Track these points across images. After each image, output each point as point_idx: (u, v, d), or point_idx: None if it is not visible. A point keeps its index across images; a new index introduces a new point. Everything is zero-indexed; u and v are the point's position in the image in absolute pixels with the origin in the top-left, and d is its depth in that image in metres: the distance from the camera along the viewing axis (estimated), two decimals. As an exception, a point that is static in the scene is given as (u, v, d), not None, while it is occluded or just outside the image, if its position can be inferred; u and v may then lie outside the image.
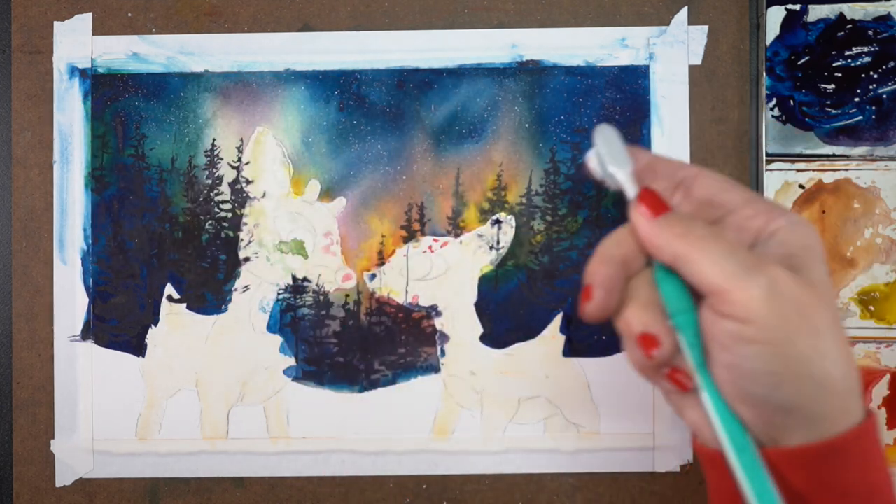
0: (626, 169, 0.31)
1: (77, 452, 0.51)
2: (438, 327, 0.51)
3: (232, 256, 0.51)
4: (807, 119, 0.51)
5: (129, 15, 0.51)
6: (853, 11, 0.51)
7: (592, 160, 0.32)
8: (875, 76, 0.51)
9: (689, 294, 0.29)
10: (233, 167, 0.51)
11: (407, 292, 0.51)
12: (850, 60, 0.51)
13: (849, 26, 0.51)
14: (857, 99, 0.51)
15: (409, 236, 0.51)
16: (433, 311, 0.51)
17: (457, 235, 0.51)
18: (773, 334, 0.27)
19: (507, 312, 0.51)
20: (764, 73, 0.50)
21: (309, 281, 0.51)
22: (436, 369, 0.51)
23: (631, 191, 0.31)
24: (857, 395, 0.28)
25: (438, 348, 0.51)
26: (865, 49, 0.51)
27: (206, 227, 0.51)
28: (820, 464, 0.28)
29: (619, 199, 0.51)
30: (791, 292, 0.27)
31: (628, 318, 0.29)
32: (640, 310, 0.29)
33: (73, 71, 0.51)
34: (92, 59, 0.51)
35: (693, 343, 0.29)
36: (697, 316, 0.29)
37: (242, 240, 0.51)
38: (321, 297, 0.51)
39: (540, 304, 0.51)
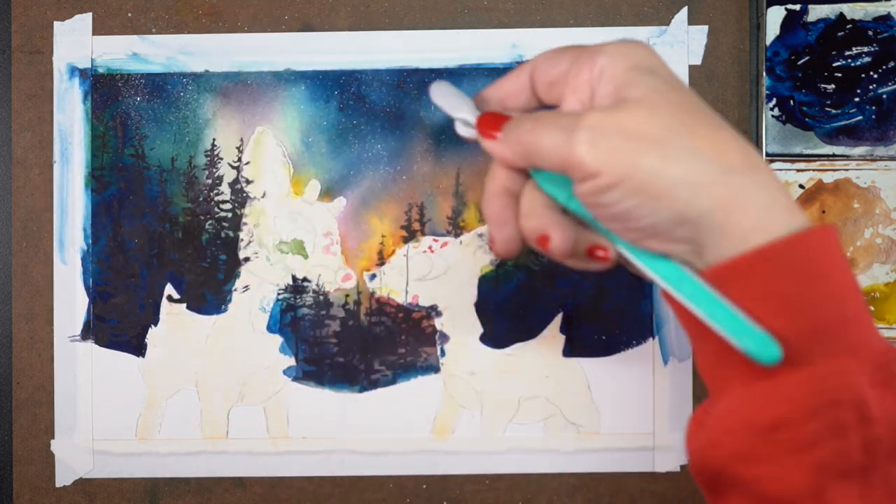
0: (465, 109, 0.33)
1: (77, 452, 0.51)
2: (438, 327, 0.51)
3: (232, 256, 0.51)
4: (807, 119, 0.51)
5: (129, 15, 0.51)
6: (853, 11, 0.51)
7: (458, 127, 0.34)
8: (875, 76, 0.51)
9: (565, 180, 0.31)
10: (233, 167, 0.51)
11: (407, 292, 0.51)
12: (850, 60, 0.51)
13: (849, 26, 0.51)
14: (857, 99, 0.51)
15: (409, 236, 0.51)
16: (433, 311, 0.51)
17: (457, 235, 0.51)
18: (619, 171, 0.27)
19: (507, 312, 0.51)
20: (764, 73, 0.50)
21: (309, 281, 0.51)
22: (436, 369, 0.51)
23: (466, 118, 0.33)
24: (775, 197, 0.27)
25: (438, 348, 0.51)
26: (865, 49, 0.51)
27: (206, 227, 0.51)
28: (753, 275, 0.27)
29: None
30: (611, 126, 0.28)
31: (523, 229, 0.31)
32: (527, 218, 0.31)
33: (73, 71, 0.51)
34: (92, 59, 0.51)
35: (590, 217, 0.31)
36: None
37: (242, 240, 0.51)
38: (321, 297, 0.51)
39: (540, 304, 0.51)
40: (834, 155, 0.51)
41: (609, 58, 0.29)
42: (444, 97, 0.34)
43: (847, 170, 0.51)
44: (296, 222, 0.51)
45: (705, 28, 0.51)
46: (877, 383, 0.27)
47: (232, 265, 0.51)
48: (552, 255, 0.31)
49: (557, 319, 0.51)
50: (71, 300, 0.51)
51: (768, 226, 0.27)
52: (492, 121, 0.31)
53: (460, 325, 0.51)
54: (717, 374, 0.29)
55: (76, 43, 0.51)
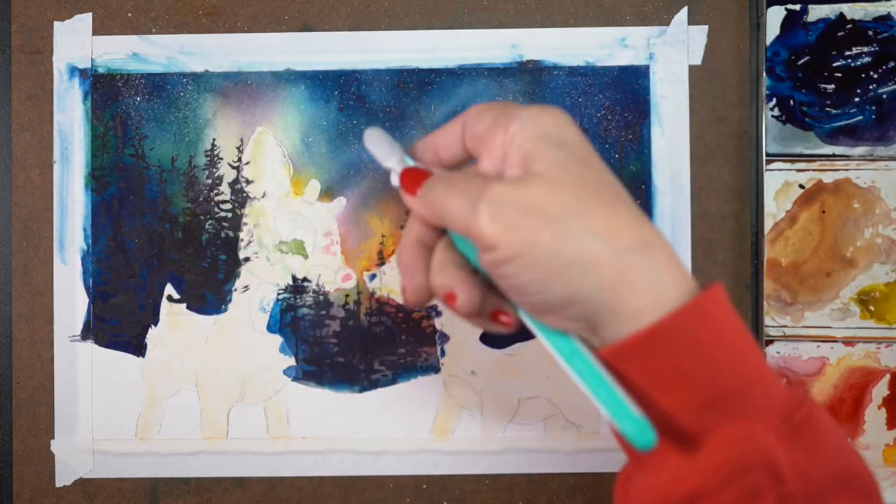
0: (394, 160, 0.33)
1: (77, 452, 0.51)
2: (438, 327, 0.51)
3: (232, 256, 0.51)
4: (807, 119, 0.51)
5: (129, 15, 0.51)
6: (853, 11, 0.51)
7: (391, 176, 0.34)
8: (875, 76, 0.51)
9: None
10: (233, 167, 0.51)
11: (407, 292, 0.51)
12: (850, 60, 0.51)
13: (849, 26, 0.51)
14: (857, 99, 0.51)
15: (409, 236, 0.51)
16: (433, 311, 0.51)
17: (457, 235, 0.51)
18: (516, 247, 0.27)
19: (507, 312, 0.51)
20: (764, 73, 0.50)
21: (309, 281, 0.51)
22: (436, 369, 0.51)
23: (393, 167, 0.33)
24: (667, 274, 0.28)
25: (438, 348, 0.51)
26: (865, 49, 0.51)
27: (206, 227, 0.51)
28: (645, 354, 0.27)
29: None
30: (512, 201, 0.28)
31: (433, 284, 0.31)
32: (437, 274, 0.31)
33: (73, 71, 0.51)
34: (92, 59, 0.51)
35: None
36: None
37: (242, 240, 0.51)
38: (321, 297, 0.51)
39: (540, 304, 0.51)
40: (834, 155, 0.51)
41: (521, 124, 0.29)
42: (376, 145, 0.34)
43: (847, 170, 0.51)
44: (296, 222, 0.51)
45: (705, 28, 0.51)
46: (784, 438, 0.27)
47: (232, 265, 0.51)
48: (457, 313, 0.31)
49: (557, 319, 0.51)
50: (71, 300, 0.51)
51: (659, 304, 0.27)
52: (413, 177, 0.32)
53: (460, 325, 0.51)
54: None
55: (76, 43, 0.51)
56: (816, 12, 0.51)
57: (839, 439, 0.29)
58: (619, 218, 0.28)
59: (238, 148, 0.51)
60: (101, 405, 0.51)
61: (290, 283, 0.51)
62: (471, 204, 0.28)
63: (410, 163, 0.33)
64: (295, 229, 0.51)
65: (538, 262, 0.27)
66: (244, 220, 0.51)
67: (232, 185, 0.51)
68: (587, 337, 0.29)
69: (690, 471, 0.27)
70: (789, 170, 0.51)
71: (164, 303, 0.51)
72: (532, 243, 0.27)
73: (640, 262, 0.27)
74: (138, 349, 0.51)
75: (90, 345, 0.51)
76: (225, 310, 0.51)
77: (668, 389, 0.27)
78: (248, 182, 0.51)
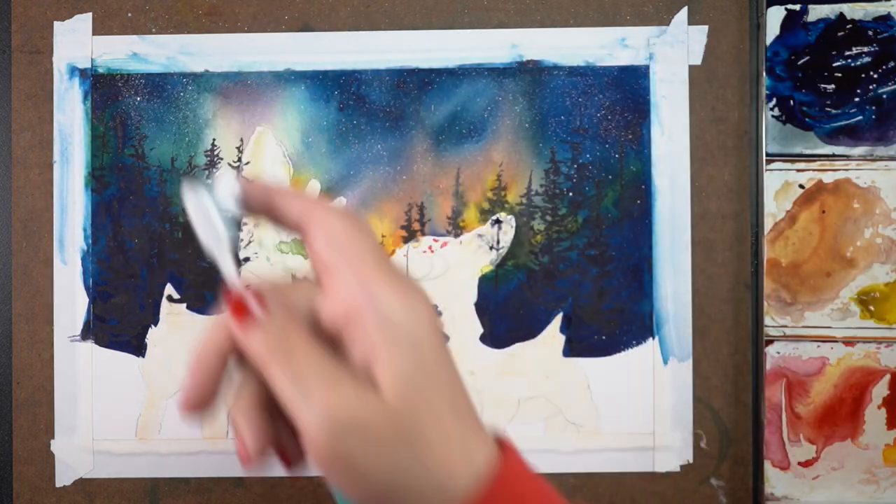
0: (221, 246, 0.27)
1: (77, 452, 0.51)
2: (438, 327, 0.51)
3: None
4: (807, 119, 0.51)
5: (129, 15, 0.51)
6: (853, 11, 0.51)
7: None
8: (875, 76, 0.51)
9: None
10: (233, 167, 0.51)
11: (407, 292, 0.51)
12: (850, 60, 0.51)
13: (849, 26, 0.51)
14: (857, 99, 0.51)
15: (409, 236, 0.51)
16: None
17: (457, 235, 0.51)
18: (343, 477, 0.26)
19: (507, 312, 0.51)
20: (764, 73, 0.50)
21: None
22: (436, 369, 0.51)
23: (226, 273, 0.27)
24: (469, 461, 0.28)
25: (438, 348, 0.51)
26: (865, 49, 0.51)
27: (206, 227, 0.51)
28: None
29: (620, 199, 0.51)
30: (349, 425, 0.25)
31: (233, 416, 0.28)
32: (242, 409, 0.28)
33: (73, 71, 0.51)
34: (92, 59, 0.51)
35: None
36: None
37: (242, 240, 0.51)
38: (321, 297, 0.51)
39: (540, 304, 0.51)
40: (834, 155, 0.51)
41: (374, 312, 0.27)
42: (203, 219, 0.27)
43: (847, 170, 0.51)
44: (296, 222, 0.51)
45: (705, 28, 0.51)
46: None
47: (232, 265, 0.51)
48: (241, 458, 0.27)
49: (557, 319, 0.51)
50: (71, 300, 0.51)
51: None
52: (241, 310, 0.28)
53: (460, 325, 0.51)
54: None
55: (76, 43, 0.51)
56: (816, 12, 0.51)
57: None
58: (453, 451, 0.28)
59: (238, 148, 0.51)
60: (101, 405, 0.51)
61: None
62: (303, 395, 0.25)
63: (233, 270, 0.27)
64: (295, 229, 0.51)
65: (364, 494, 0.26)
66: (244, 220, 0.51)
67: (232, 185, 0.51)
68: None
69: None
70: (789, 170, 0.51)
71: (164, 303, 0.51)
72: (363, 476, 0.26)
73: (464, 466, 0.28)
74: (138, 349, 0.51)
75: (90, 345, 0.51)
76: (225, 310, 0.51)
77: None
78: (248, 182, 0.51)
